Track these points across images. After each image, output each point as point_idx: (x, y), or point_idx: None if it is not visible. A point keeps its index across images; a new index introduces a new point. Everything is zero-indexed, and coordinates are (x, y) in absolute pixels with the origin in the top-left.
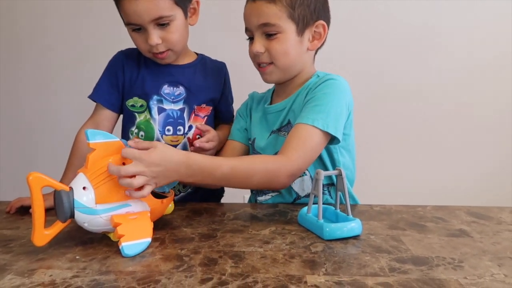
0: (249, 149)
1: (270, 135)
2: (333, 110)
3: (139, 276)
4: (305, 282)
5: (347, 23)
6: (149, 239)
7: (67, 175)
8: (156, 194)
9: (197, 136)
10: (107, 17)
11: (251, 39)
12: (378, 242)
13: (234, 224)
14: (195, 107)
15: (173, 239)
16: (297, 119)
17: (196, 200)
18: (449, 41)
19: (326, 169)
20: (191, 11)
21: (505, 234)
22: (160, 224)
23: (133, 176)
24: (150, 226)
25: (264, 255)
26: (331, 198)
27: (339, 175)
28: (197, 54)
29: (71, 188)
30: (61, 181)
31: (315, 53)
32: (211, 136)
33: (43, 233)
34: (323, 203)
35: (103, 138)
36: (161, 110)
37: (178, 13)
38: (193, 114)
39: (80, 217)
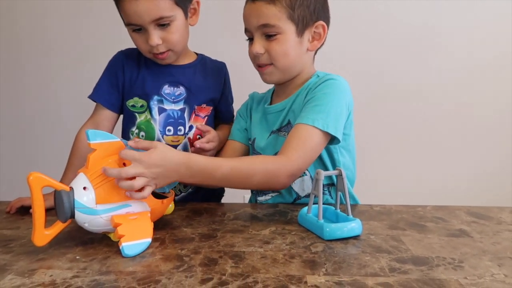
0: (249, 149)
1: (270, 135)
2: (333, 110)
3: (139, 276)
4: (305, 282)
5: (347, 23)
6: (149, 239)
7: (67, 175)
8: (157, 194)
9: (198, 137)
10: (107, 17)
11: (250, 39)
12: (378, 242)
13: (234, 224)
14: (196, 107)
15: (173, 239)
16: (297, 119)
17: (197, 200)
18: (449, 41)
19: (326, 169)
20: (191, 12)
21: (505, 234)
22: (160, 224)
23: (133, 178)
24: (150, 226)
25: (264, 255)
26: (331, 198)
27: (339, 175)
28: (197, 54)
29: (71, 188)
30: (61, 181)
31: (315, 53)
32: (212, 137)
33: (43, 233)
34: (323, 203)
35: (104, 139)
36: (161, 110)
37: (178, 13)
38: (194, 114)
39: (81, 217)
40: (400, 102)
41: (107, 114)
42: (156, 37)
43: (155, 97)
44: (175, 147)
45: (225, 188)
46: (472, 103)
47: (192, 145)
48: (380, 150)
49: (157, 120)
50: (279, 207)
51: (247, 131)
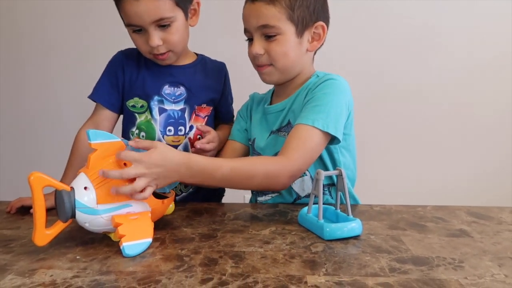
0: (249, 150)
1: (269, 135)
2: (333, 110)
3: (139, 276)
4: (305, 282)
5: (347, 23)
6: (150, 239)
7: (67, 175)
8: (157, 195)
9: (198, 137)
10: (107, 17)
11: (250, 40)
12: (378, 242)
13: (235, 224)
14: (196, 107)
15: (174, 239)
16: (297, 120)
17: (197, 200)
18: (449, 41)
19: (326, 169)
20: (191, 12)
21: (505, 234)
22: (161, 224)
23: (133, 179)
24: (151, 226)
25: (264, 255)
26: (332, 198)
27: (340, 175)
28: (197, 54)
29: (72, 188)
30: (61, 181)
31: (314, 53)
32: (212, 137)
33: (44, 233)
34: (323, 203)
35: (104, 138)
36: (162, 111)
37: (178, 14)
38: (194, 114)
39: (81, 217)
40: (400, 102)
41: (107, 114)
42: (156, 38)
43: (156, 97)
44: (175, 147)
45: (226, 188)
46: (472, 103)
47: (192, 145)
48: (380, 150)
49: (158, 120)
50: (279, 207)
51: (247, 131)
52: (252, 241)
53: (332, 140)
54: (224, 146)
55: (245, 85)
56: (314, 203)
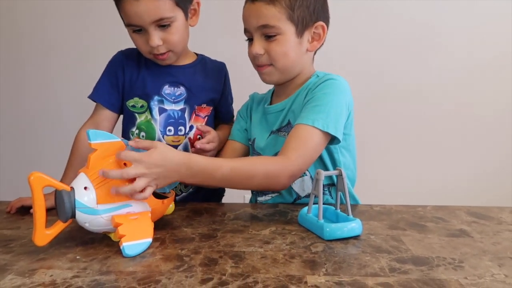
0: (249, 150)
1: (269, 135)
2: (333, 110)
3: (139, 276)
4: (305, 282)
5: (347, 23)
6: (150, 239)
7: (67, 175)
8: (157, 195)
9: (198, 137)
10: (107, 17)
11: (250, 40)
12: (378, 242)
13: (235, 224)
14: (196, 107)
15: (174, 239)
16: (297, 120)
17: (197, 200)
18: (449, 41)
19: (326, 169)
20: (191, 12)
21: (505, 234)
22: (161, 224)
23: (133, 179)
24: (151, 226)
25: (264, 255)
26: (332, 198)
27: (340, 175)
28: (196, 54)
29: (72, 188)
30: (61, 181)
31: (314, 53)
32: (212, 137)
33: (44, 233)
34: (323, 203)
35: (105, 139)
36: (162, 111)
37: (179, 14)
38: (194, 114)
39: (81, 217)
40: (400, 102)
41: (107, 114)
42: (156, 38)
43: (156, 97)
44: (175, 147)
45: (225, 188)
46: (472, 103)
47: (192, 145)
48: (380, 149)
49: (158, 120)
50: (279, 207)
51: (247, 131)
52: (252, 241)
53: (332, 140)
54: (224, 146)
55: (245, 85)
56: (314, 203)
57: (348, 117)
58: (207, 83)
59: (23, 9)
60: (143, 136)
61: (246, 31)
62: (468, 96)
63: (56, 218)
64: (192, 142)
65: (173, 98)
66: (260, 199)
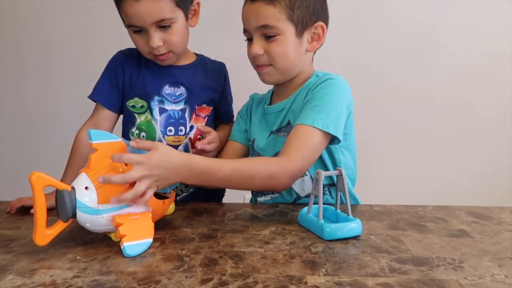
0: (249, 150)
1: (269, 135)
2: (333, 110)
3: (139, 277)
4: (305, 283)
5: (347, 23)
6: (150, 240)
7: (67, 175)
8: (158, 195)
9: (198, 137)
10: (107, 17)
11: (249, 40)
12: (378, 242)
13: (235, 224)
14: (196, 107)
15: (174, 239)
16: (297, 120)
17: (198, 200)
18: (449, 41)
19: (326, 169)
20: (191, 13)
21: (505, 234)
22: (161, 224)
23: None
24: (151, 226)
25: (264, 255)
26: (332, 198)
27: (340, 175)
28: (196, 54)
29: (73, 188)
30: (61, 181)
31: (314, 53)
32: (213, 138)
33: (45, 232)
34: (323, 203)
35: (106, 139)
36: (162, 111)
37: (179, 15)
38: (194, 115)
39: (82, 217)
40: (400, 102)
41: (107, 114)
42: (157, 39)
43: (156, 98)
44: (176, 147)
45: (226, 188)
46: (472, 103)
47: (193, 146)
48: (380, 149)
49: (158, 120)
50: (279, 207)
51: (247, 132)
52: (252, 241)
53: (333, 140)
54: (224, 147)
55: (245, 85)
56: (314, 203)
57: (348, 117)
58: (207, 83)
59: (23, 9)
60: (143, 137)
61: (245, 31)
62: (468, 96)
63: (57, 218)
64: (192, 142)
65: (173, 98)
66: (260, 199)
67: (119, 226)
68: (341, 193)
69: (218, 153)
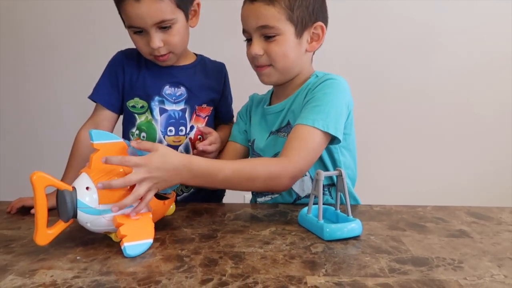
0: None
1: (269, 136)
2: (333, 110)
3: (139, 277)
4: (305, 283)
5: (347, 23)
6: (151, 240)
7: (67, 175)
8: (158, 195)
9: (199, 137)
10: (107, 17)
11: (248, 40)
12: (378, 242)
13: (234, 225)
14: (196, 107)
15: (174, 239)
16: (297, 120)
17: (198, 200)
18: (449, 41)
19: (326, 169)
20: (191, 13)
21: (505, 234)
22: (161, 225)
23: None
24: (152, 227)
25: (264, 255)
26: (332, 198)
27: (340, 176)
28: (196, 54)
29: (74, 188)
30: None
31: (313, 53)
32: (214, 139)
33: (46, 232)
34: (323, 204)
35: (107, 139)
36: (162, 111)
37: (179, 16)
38: (195, 115)
39: (83, 217)
40: (400, 102)
41: (107, 115)
42: (157, 39)
43: (156, 98)
44: (176, 147)
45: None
46: (472, 103)
47: (194, 147)
48: (380, 149)
49: (159, 120)
50: (279, 207)
51: (247, 132)
52: (252, 241)
53: (333, 140)
54: (225, 147)
55: (245, 85)
56: (314, 204)
57: (348, 117)
58: (207, 83)
59: (23, 9)
60: (143, 137)
61: (244, 31)
62: (468, 96)
63: (57, 218)
64: (192, 142)
65: (173, 98)
66: (259, 199)
67: (119, 227)
68: (341, 194)
69: (218, 154)
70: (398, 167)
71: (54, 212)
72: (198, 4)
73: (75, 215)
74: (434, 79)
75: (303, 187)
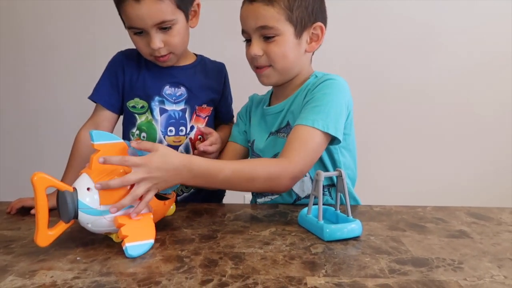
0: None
1: (268, 136)
2: (332, 110)
3: (139, 278)
4: (305, 284)
5: (347, 23)
6: (152, 241)
7: (67, 176)
8: (159, 196)
9: (199, 137)
10: (107, 17)
11: (248, 41)
12: (378, 243)
13: (234, 225)
14: (196, 107)
15: (174, 240)
16: (297, 121)
17: (198, 200)
18: (449, 41)
19: (326, 169)
20: (191, 14)
21: (505, 235)
22: (161, 225)
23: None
24: (153, 227)
25: (264, 256)
26: (332, 198)
27: (339, 176)
28: (196, 55)
29: (74, 189)
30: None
31: (312, 53)
32: (214, 139)
33: (47, 233)
34: (323, 204)
35: (107, 139)
36: (163, 111)
37: (180, 16)
38: (195, 115)
39: (84, 218)
40: (400, 102)
41: (107, 115)
42: (158, 40)
43: (156, 98)
44: (177, 147)
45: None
46: (472, 103)
47: (194, 147)
48: (380, 149)
49: (159, 121)
50: (279, 207)
51: (247, 133)
52: (252, 242)
53: (332, 140)
54: (225, 148)
55: (245, 85)
56: (314, 204)
57: (347, 117)
58: (207, 83)
59: (23, 9)
60: (144, 137)
61: (243, 32)
62: (468, 96)
63: (57, 218)
64: (193, 142)
65: (173, 98)
66: (259, 200)
67: (121, 227)
68: (341, 194)
69: (218, 154)
70: (398, 167)
71: (54, 213)
72: (198, 5)
73: (76, 216)
74: (434, 79)
75: (303, 187)
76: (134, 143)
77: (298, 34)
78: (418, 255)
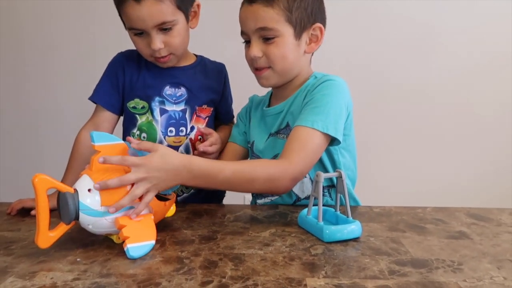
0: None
1: (268, 137)
2: (332, 111)
3: (139, 279)
4: (305, 285)
5: (347, 23)
6: (153, 242)
7: (68, 177)
8: (159, 196)
9: (199, 137)
10: (107, 17)
11: (247, 42)
12: (378, 244)
13: (234, 226)
14: (197, 108)
15: (174, 241)
16: (297, 121)
17: (198, 200)
18: (449, 41)
19: (326, 170)
20: (192, 15)
21: (504, 236)
22: (161, 226)
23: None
24: (154, 228)
25: (264, 257)
26: (331, 199)
27: (339, 177)
28: (196, 55)
29: (75, 190)
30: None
31: (312, 54)
32: (214, 140)
33: (47, 235)
34: (323, 205)
35: (108, 140)
36: (163, 112)
37: (180, 17)
38: (195, 115)
39: (85, 219)
40: (400, 102)
41: (107, 116)
42: (158, 41)
43: (157, 98)
44: (177, 148)
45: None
46: (472, 103)
47: (194, 148)
48: (380, 149)
49: (159, 121)
50: (279, 208)
51: (246, 134)
52: (252, 243)
53: (332, 141)
54: (225, 148)
55: (245, 86)
56: (313, 205)
57: (347, 118)
58: (208, 84)
59: (23, 9)
60: (144, 137)
61: (243, 33)
62: (468, 96)
63: (58, 220)
64: (193, 142)
65: (174, 99)
66: (259, 201)
67: (122, 228)
68: (341, 195)
69: (218, 155)
70: (398, 167)
71: (55, 214)
72: (198, 5)
73: (77, 218)
74: (434, 79)
75: (302, 188)
76: (134, 144)
77: (298, 35)
78: (417, 256)
